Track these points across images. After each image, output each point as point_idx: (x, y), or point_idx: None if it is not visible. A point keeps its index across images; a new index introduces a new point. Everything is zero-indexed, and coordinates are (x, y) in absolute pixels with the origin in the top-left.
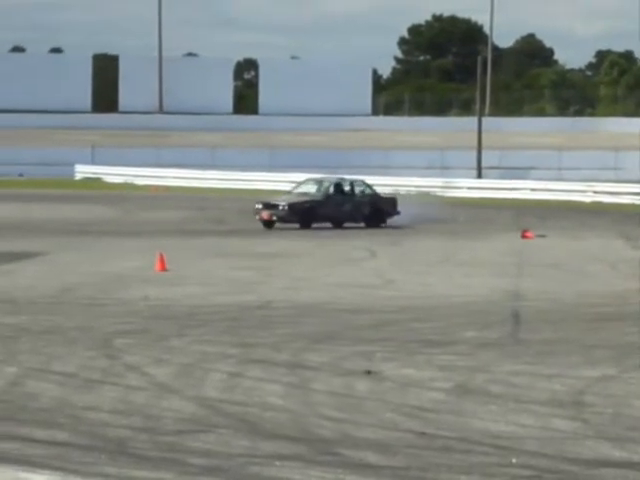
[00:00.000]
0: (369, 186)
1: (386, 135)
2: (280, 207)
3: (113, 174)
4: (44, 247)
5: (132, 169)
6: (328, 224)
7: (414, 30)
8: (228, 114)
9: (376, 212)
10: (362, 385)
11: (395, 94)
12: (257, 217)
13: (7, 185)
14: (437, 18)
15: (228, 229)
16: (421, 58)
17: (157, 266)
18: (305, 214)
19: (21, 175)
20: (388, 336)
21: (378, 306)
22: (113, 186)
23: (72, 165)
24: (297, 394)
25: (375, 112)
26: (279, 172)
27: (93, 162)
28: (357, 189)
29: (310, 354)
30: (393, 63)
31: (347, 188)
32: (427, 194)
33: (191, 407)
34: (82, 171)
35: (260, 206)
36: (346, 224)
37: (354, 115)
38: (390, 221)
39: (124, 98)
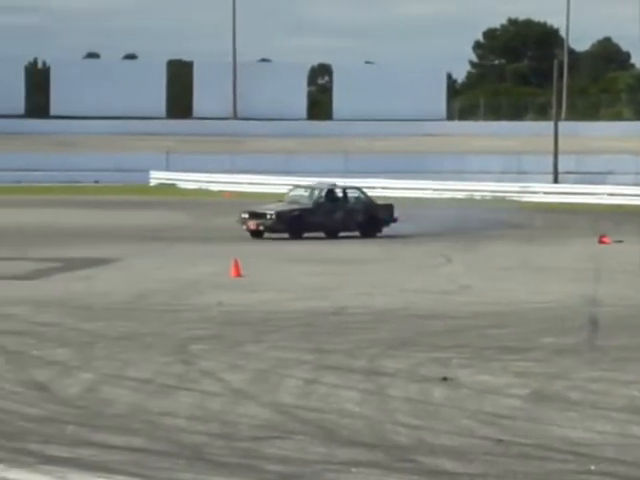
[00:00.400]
0: (364, 193)
1: (461, 139)
2: (267, 216)
3: (187, 180)
4: (119, 253)
5: (206, 175)
6: (320, 234)
7: (489, 34)
8: (302, 120)
9: (371, 220)
10: (438, 392)
11: (470, 98)
12: (244, 227)
13: (83, 191)
14: (512, 22)
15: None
16: (496, 62)
17: (232, 272)
18: (294, 223)
19: (96, 182)
20: (464, 342)
21: (453, 312)
22: (187, 192)
23: (147, 171)
24: (373, 401)
25: (450, 116)
26: (353, 177)
27: (168, 168)
28: (350, 196)
29: (386, 360)
30: (468, 67)
31: (339, 195)
32: (503, 199)
33: (267, 413)
34: (157, 177)
35: (246, 215)
36: (340, 233)
37: (429, 120)
38: (392, 229)
39: (198, 104)
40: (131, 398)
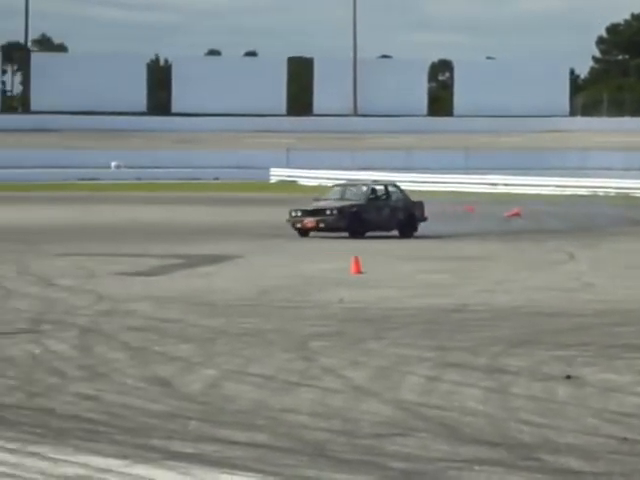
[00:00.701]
0: (401, 190)
1: (584, 136)
2: (328, 212)
3: (308, 177)
4: (239, 250)
5: (327, 172)
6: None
7: (612, 29)
8: (422, 116)
9: (410, 218)
10: (562, 390)
11: (593, 94)
12: (297, 225)
13: (203, 188)
14: (636, 17)
15: (422, 232)
16: (620, 57)
17: (352, 269)
18: (354, 220)
19: (217, 179)
20: (588, 340)
21: (577, 310)
22: (308, 189)
23: (267, 168)
24: (496, 399)
25: (573, 112)
26: (475, 174)
27: (288, 165)
28: (392, 193)
29: (508, 358)
30: (591, 63)
31: (383, 192)
32: (626, 195)
33: (389, 410)
34: (277, 174)
35: (299, 213)
36: (378, 232)
37: (551, 116)
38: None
39: (319, 101)
40: (253, 394)
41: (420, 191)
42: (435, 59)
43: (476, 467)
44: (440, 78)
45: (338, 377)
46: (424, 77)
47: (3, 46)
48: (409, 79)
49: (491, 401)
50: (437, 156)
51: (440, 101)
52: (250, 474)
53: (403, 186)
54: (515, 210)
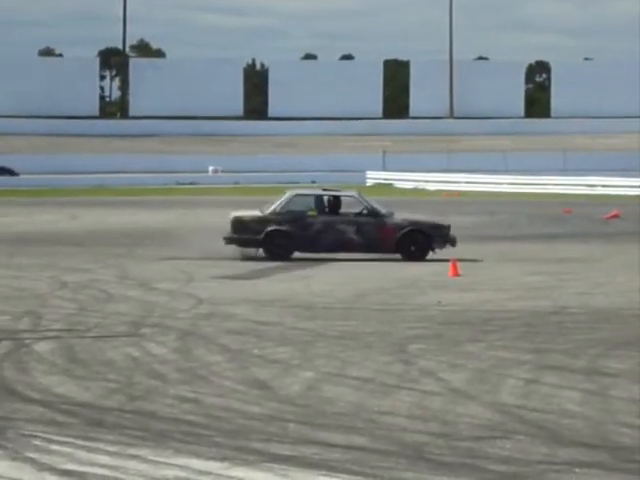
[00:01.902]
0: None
1: None
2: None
3: (404, 180)
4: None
5: (423, 174)
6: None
7: None
8: (519, 118)
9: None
10: None
11: None
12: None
13: None
14: None
15: (519, 234)
16: None
17: (450, 271)
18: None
19: (314, 182)
20: None
21: None
22: (404, 192)
23: (363, 171)
24: (595, 401)
25: None
26: (573, 176)
27: (384, 168)
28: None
29: (607, 360)
30: None
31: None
32: None
33: (487, 413)
34: (373, 177)
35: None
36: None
37: None
38: None
39: (415, 103)
40: (352, 397)
41: (517, 193)
42: (532, 60)
43: (576, 469)
44: (537, 79)
45: (436, 380)
46: (521, 79)
47: (102, 52)
48: (506, 81)
49: (590, 404)
50: (534, 158)
51: (537, 103)
52: (348, 476)
53: (501, 188)
54: (614, 212)
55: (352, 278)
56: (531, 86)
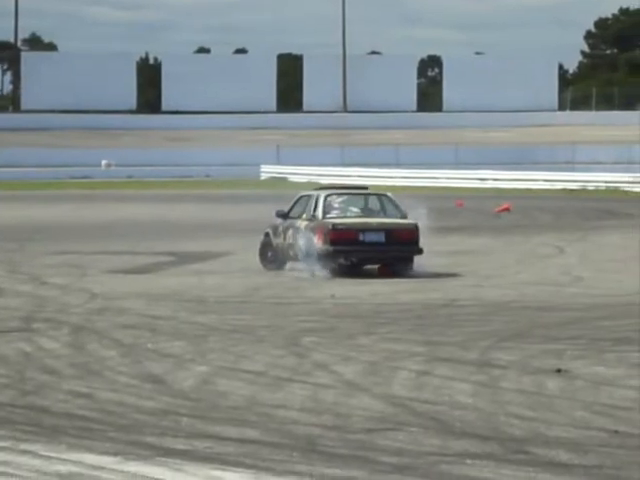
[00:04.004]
0: None
1: (573, 130)
2: None
3: (298, 173)
4: (230, 247)
5: (317, 168)
6: None
7: (601, 24)
8: (412, 112)
9: None
10: (552, 383)
11: (582, 88)
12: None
13: (195, 186)
14: (624, 11)
15: None
16: (608, 52)
17: None
18: None
19: (208, 176)
20: (578, 334)
21: (567, 304)
22: (298, 185)
23: (258, 165)
24: (486, 393)
25: (562, 107)
26: (465, 169)
27: (278, 162)
28: None
29: (498, 352)
30: (579, 57)
31: None
32: (616, 190)
33: (380, 405)
34: (268, 171)
35: None
36: None
37: (540, 110)
38: None
39: (308, 97)
40: (245, 390)
41: (409, 187)
42: (424, 55)
43: (468, 461)
44: (429, 74)
45: (329, 372)
46: (413, 73)
47: None
48: (398, 75)
49: (481, 395)
50: (427, 151)
51: (429, 97)
52: (242, 470)
53: (393, 182)
54: (505, 205)
55: (244, 272)
56: (423, 80)
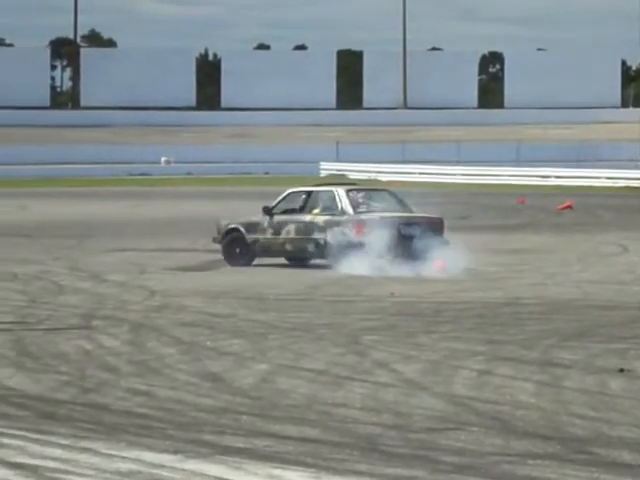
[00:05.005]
0: None
1: (636, 127)
2: None
3: (357, 170)
4: None
5: (376, 165)
6: None
7: None
8: (473, 108)
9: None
10: (615, 383)
11: None
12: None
13: (253, 183)
14: None
15: (472, 225)
16: None
17: None
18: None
19: (267, 173)
20: None
21: (630, 302)
22: (358, 182)
23: (317, 162)
24: (549, 392)
25: (624, 103)
26: (526, 166)
27: (337, 159)
28: None
29: (561, 352)
30: None
31: None
32: None
33: (441, 404)
34: (327, 168)
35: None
36: None
37: (603, 107)
38: None
39: (368, 94)
40: (305, 389)
41: (469, 184)
42: (485, 51)
43: (530, 461)
44: (491, 70)
45: (390, 371)
46: (474, 69)
47: (52, 42)
48: (459, 71)
49: (543, 395)
50: (488, 148)
51: (491, 93)
52: (302, 469)
53: (454, 179)
54: (567, 203)
55: (304, 270)
56: (484, 77)
